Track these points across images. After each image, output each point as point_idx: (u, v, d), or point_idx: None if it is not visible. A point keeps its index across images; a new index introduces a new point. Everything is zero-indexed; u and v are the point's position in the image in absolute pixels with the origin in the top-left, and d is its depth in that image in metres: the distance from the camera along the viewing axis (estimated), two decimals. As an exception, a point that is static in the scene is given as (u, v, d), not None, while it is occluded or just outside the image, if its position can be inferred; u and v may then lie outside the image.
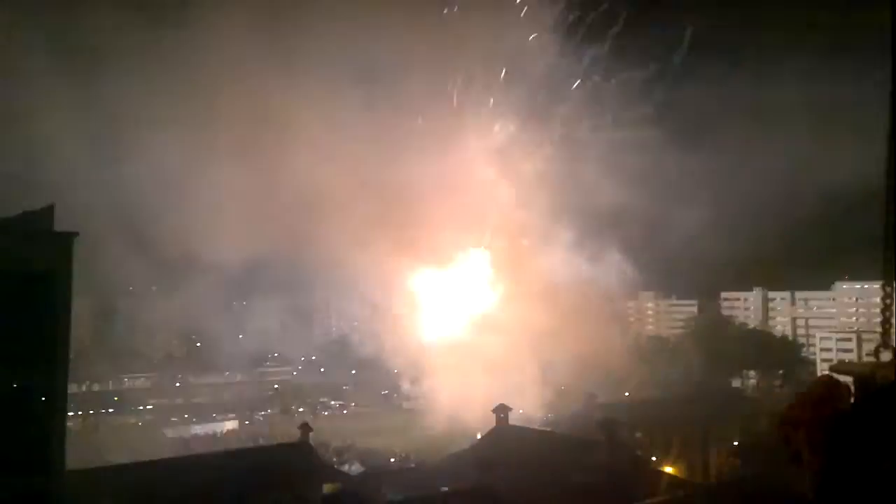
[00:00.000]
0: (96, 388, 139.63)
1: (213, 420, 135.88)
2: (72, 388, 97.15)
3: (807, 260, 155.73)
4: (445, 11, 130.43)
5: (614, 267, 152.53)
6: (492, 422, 65.17)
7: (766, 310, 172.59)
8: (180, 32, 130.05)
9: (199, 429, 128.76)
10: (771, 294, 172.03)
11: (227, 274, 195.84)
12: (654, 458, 71.24)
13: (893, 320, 10.34)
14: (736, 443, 79.41)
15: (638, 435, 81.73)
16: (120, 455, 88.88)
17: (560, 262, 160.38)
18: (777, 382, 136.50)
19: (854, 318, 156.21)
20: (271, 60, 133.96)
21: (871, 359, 10.47)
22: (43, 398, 38.56)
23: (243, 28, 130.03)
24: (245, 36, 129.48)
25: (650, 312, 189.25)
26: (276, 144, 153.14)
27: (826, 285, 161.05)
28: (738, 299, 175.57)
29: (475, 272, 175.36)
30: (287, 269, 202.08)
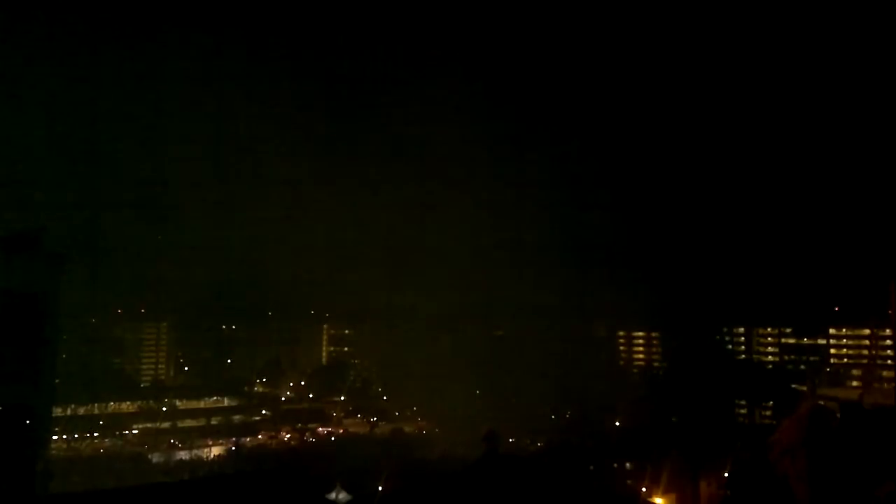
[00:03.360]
0: (81, 411, 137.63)
1: (200, 445, 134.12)
2: (56, 411, 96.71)
3: (798, 293, 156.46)
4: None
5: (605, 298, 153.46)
6: (481, 449, 64.54)
7: (755, 342, 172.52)
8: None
9: (184, 454, 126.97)
10: (761, 326, 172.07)
11: (217, 299, 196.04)
12: (644, 489, 70.71)
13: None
14: (726, 474, 78.90)
15: (628, 465, 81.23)
16: (104, 480, 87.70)
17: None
18: (767, 413, 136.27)
19: (844, 350, 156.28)
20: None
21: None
22: (27, 420, 38.10)
23: None
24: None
25: (640, 343, 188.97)
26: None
27: (816, 318, 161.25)
28: (728, 331, 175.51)
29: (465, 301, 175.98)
30: (278, 294, 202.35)
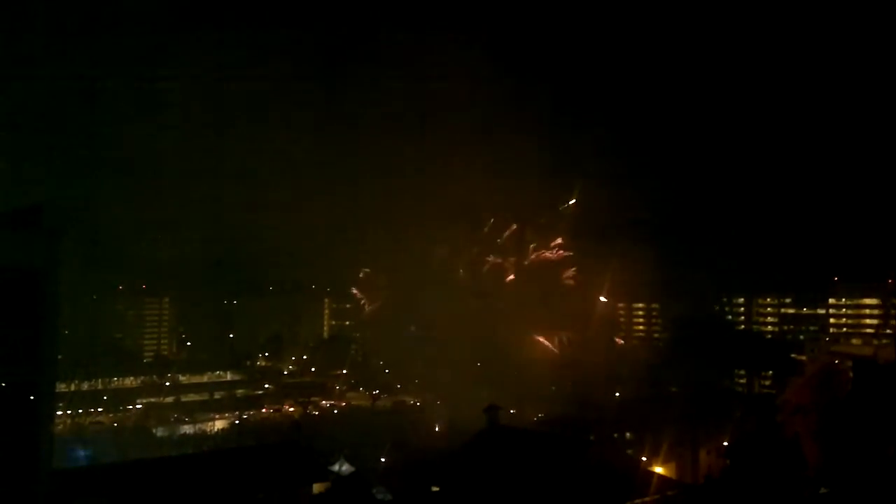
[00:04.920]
0: (85, 386, 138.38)
1: (203, 419, 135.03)
2: (60, 387, 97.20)
3: (797, 262, 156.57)
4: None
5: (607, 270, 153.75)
6: (483, 422, 65.01)
7: (755, 312, 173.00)
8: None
9: (188, 428, 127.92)
10: (760, 295, 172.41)
11: (219, 273, 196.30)
12: (644, 459, 71.27)
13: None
14: (725, 443, 79.57)
15: (628, 435, 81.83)
16: (108, 454, 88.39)
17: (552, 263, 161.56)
18: (766, 383, 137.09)
19: (843, 320, 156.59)
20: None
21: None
22: (31, 396, 38.23)
23: None
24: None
25: (640, 314, 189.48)
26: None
27: (816, 287, 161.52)
28: (727, 301, 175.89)
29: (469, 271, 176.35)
30: (279, 268, 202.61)
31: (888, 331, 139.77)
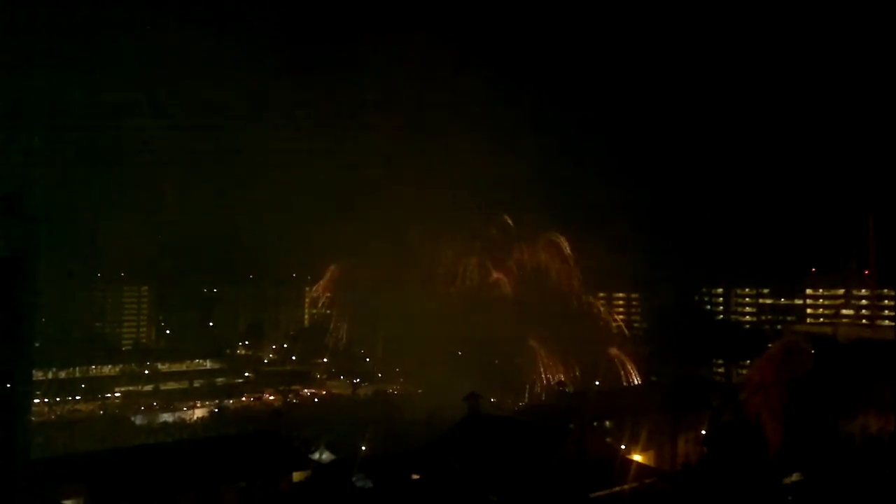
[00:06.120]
0: (62, 375, 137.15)
1: (183, 408, 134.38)
2: (37, 375, 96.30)
3: (774, 252, 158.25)
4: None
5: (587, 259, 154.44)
6: (464, 411, 65.33)
7: (733, 302, 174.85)
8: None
9: (167, 416, 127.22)
10: (739, 286, 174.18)
11: (199, 261, 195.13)
12: (623, 447, 71.95)
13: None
14: (703, 431, 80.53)
15: (608, 423, 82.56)
16: (86, 443, 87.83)
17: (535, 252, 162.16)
18: (743, 372, 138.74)
19: (820, 310, 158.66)
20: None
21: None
22: (7, 384, 37.94)
23: None
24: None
25: (620, 303, 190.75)
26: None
27: (794, 277, 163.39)
28: (706, 291, 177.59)
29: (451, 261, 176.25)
30: (260, 256, 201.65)
31: (843, 319, 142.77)
